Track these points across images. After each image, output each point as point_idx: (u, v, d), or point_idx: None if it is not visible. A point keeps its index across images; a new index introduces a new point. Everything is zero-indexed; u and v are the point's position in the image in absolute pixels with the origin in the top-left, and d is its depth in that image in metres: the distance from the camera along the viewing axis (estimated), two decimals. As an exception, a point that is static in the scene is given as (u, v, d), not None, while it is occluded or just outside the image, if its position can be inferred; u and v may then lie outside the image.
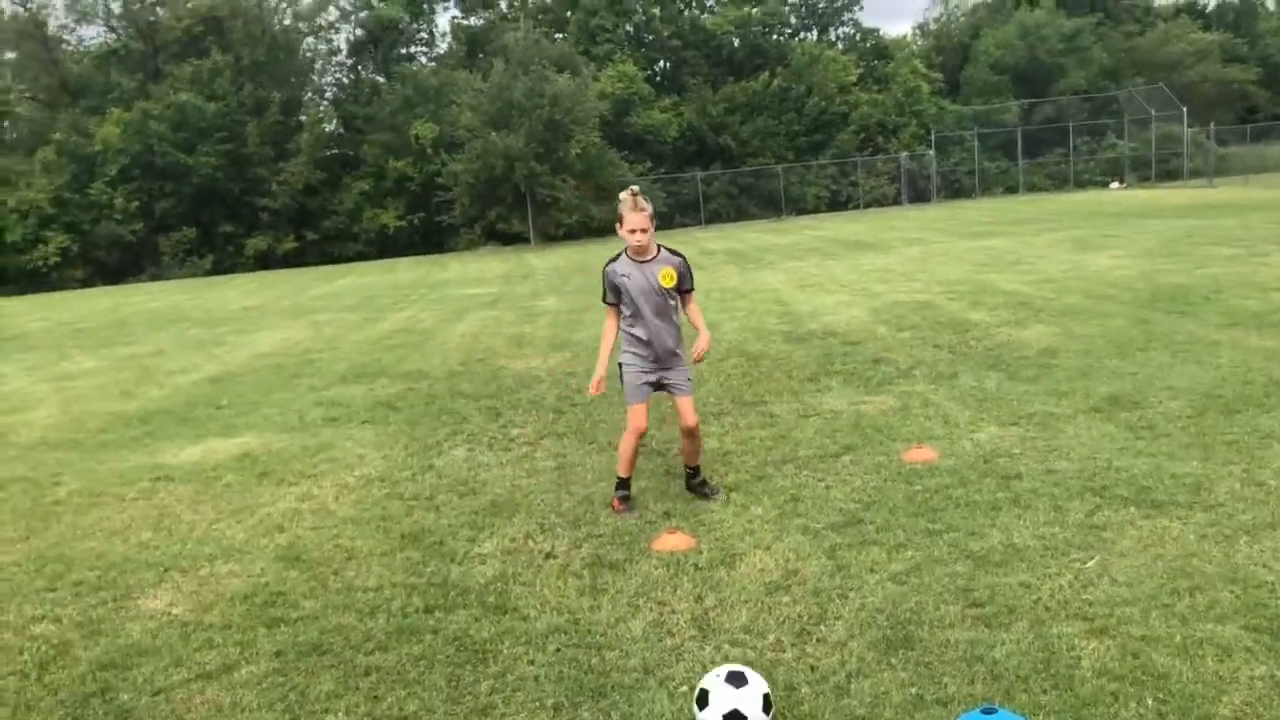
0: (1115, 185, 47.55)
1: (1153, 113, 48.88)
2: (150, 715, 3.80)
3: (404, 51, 52.73)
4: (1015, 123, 50.40)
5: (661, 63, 52.72)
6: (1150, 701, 3.32)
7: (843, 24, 55.91)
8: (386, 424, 8.33)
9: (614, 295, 5.55)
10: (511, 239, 40.74)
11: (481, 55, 49.38)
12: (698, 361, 5.66)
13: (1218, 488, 5.28)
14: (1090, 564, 4.45)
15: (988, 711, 3.28)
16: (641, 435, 5.65)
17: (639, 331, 5.52)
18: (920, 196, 48.10)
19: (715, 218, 44.87)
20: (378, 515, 5.96)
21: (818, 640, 3.98)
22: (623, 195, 5.34)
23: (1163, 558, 4.45)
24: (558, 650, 4.08)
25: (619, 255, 5.53)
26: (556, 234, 40.29)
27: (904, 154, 48.37)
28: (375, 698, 3.81)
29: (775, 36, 52.26)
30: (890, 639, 3.92)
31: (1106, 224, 24.01)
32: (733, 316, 13.10)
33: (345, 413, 8.86)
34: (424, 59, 53.72)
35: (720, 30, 50.41)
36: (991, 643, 3.81)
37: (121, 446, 8.20)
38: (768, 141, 47.30)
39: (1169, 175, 48.22)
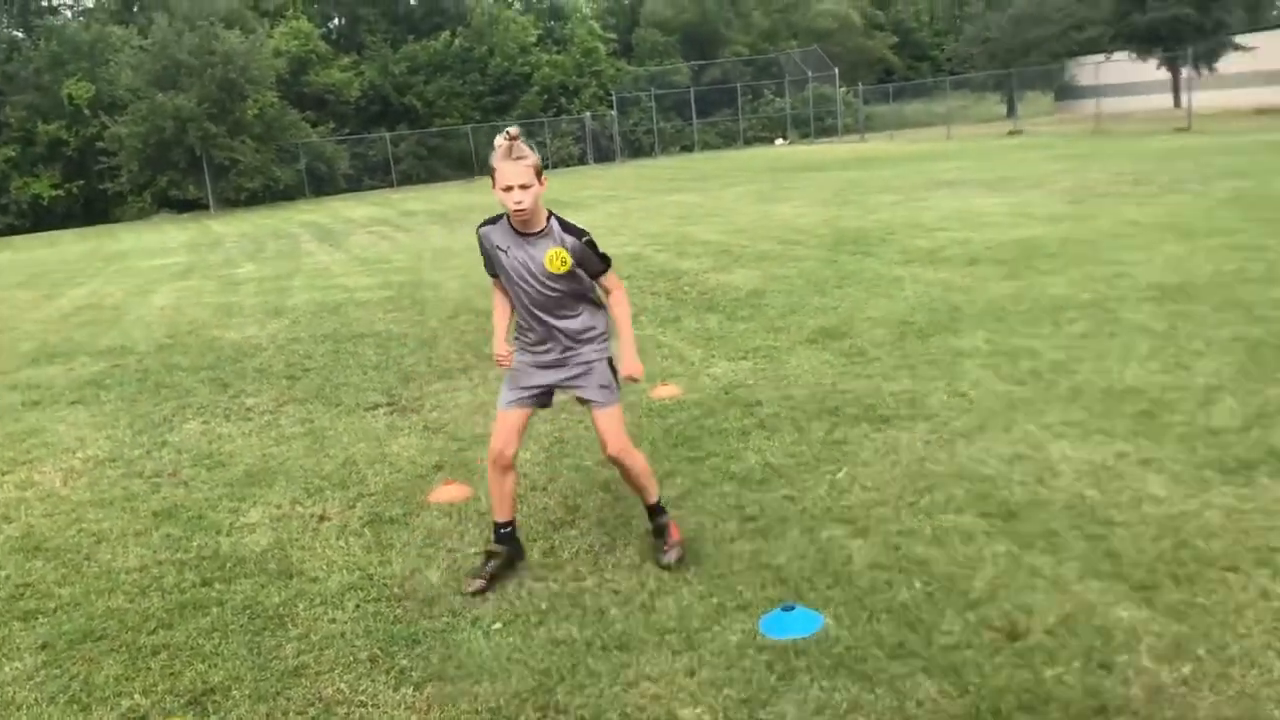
0: (780, 142, 50.81)
1: (809, 74, 52.54)
2: (-91, 726, 3.44)
3: (46, 4, 47.65)
4: (687, 84, 52.61)
5: (337, 19, 50.82)
6: (918, 585, 3.76)
7: (522, -17, 55.99)
8: (100, 403, 7.73)
9: (490, 267, 4.14)
10: (188, 206, 38.04)
11: (137, 9, 45.49)
12: (632, 380, 4.16)
13: (929, 400, 5.95)
14: (841, 475, 4.92)
15: (787, 609, 3.62)
16: (506, 464, 4.13)
17: (520, 320, 4.15)
18: (605, 156, 49.28)
19: (406, 179, 43.93)
20: (119, 496, 5.58)
21: (614, 566, 4.18)
22: (497, 139, 3.89)
23: (899, 464, 5.00)
24: (358, 606, 4.04)
25: (499, 217, 4.05)
26: (238, 199, 38.03)
27: (587, 114, 49.28)
28: (173, 674, 3.63)
29: (452, -5, 51.53)
30: (681, 557, 4.19)
31: (781, 177, 25.71)
32: (453, 275, 13.06)
33: (47, 395, 8.12)
34: (69, 13, 48.79)
35: (395, -13, 49.15)
36: (773, 551, 4.16)
37: None
38: (453, 102, 46.77)
39: (826, 132, 52.08)
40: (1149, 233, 10.93)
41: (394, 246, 17.95)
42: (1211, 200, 13.10)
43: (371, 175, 43.89)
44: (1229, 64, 42.45)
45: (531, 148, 3.87)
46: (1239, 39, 42.65)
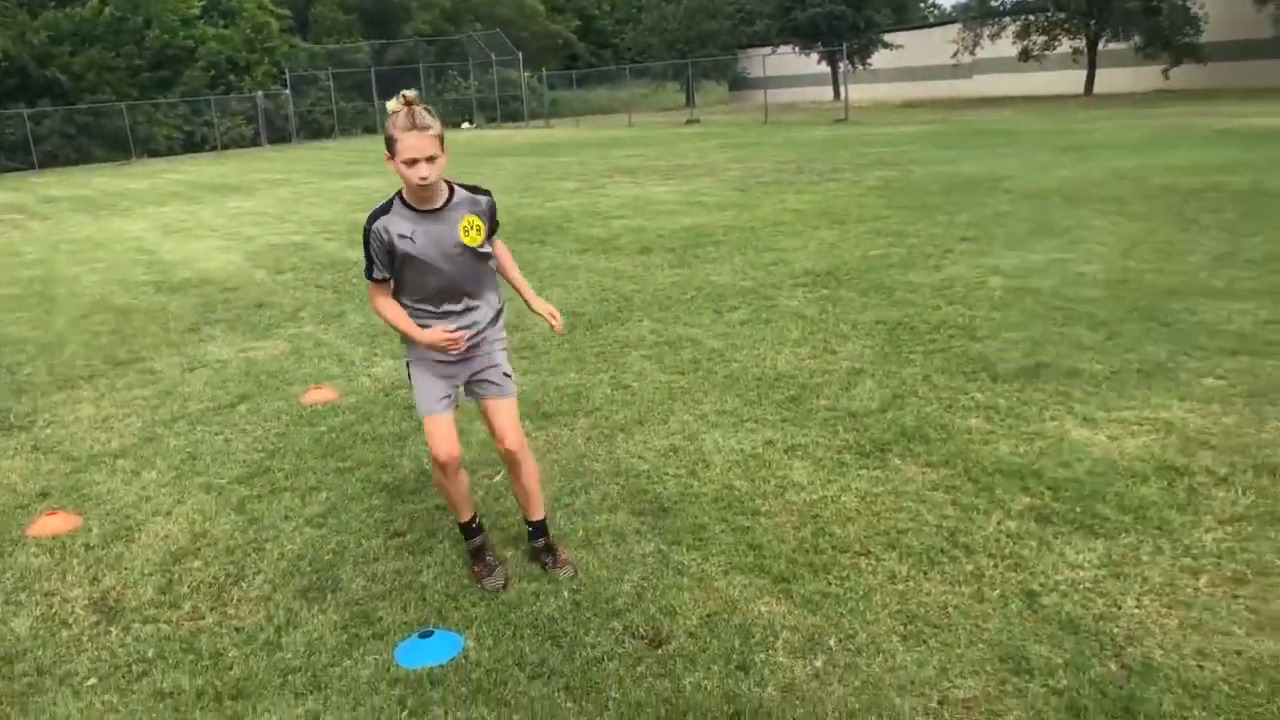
0: (466, 125, 50.31)
1: (493, 57, 52.31)
2: None
3: None
4: (368, 63, 50.98)
5: (-40, -20, 45.13)
6: (566, 594, 3.61)
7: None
8: None
9: (386, 268, 3.52)
10: None
11: None
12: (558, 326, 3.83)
13: (594, 394, 5.86)
14: (497, 478, 4.72)
15: (425, 634, 3.36)
16: (454, 466, 3.68)
17: (432, 309, 3.60)
18: (280, 137, 46.88)
19: (51, 161, 39.76)
20: None
21: (239, 600, 3.77)
22: (391, 104, 3.37)
23: (559, 462, 4.86)
24: (-80, 673, 3.41)
25: (389, 203, 3.51)
26: None
27: (259, 93, 46.63)
28: None
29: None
30: (316, 584, 3.83)
31: (468, 163, 25.32)
32: (93, 269, 11.81)
33: None
34: None
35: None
36: (418, 568, 3.89)
37: None
38: (105, 76, 42.75)
39: (511, 116, 52.09)
40: (806, 219, 11.50)
41: (26, 237, 16.07)
42: (862, 188, 14.01)
43: (10, 156, 39.36)
44: (881, 60, 46.17)
45: (433, 114, 3.38)
46: (888, 37, 46.44)
